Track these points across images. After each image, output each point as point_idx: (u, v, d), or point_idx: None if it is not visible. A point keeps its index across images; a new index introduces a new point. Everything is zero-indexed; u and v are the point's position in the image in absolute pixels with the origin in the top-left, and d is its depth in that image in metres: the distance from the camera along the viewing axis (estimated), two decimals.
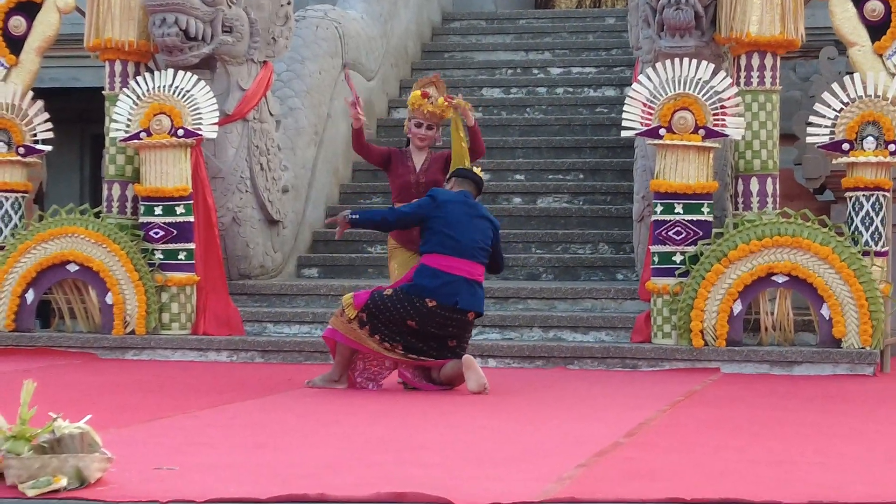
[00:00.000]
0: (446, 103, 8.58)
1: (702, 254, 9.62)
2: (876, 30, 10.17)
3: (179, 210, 10.44)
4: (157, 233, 10.48)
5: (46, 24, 11.19)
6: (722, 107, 9.72)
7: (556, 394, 8.25)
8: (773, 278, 9.58)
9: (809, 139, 10.15)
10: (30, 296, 10.59)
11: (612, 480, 5.08)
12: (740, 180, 10.17)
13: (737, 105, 9.78)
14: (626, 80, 13.81)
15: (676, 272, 9.72)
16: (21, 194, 11.06)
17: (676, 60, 9.77)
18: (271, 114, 11.59)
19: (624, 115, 9.92)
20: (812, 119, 10.07)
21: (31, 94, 11.16)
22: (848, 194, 9.96)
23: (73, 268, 10.52)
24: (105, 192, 10.91)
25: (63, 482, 4.76)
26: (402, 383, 8.33)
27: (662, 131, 9.73)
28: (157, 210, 10.47)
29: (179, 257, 10.46)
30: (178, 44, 10.59)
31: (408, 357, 8.08)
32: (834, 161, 10.16)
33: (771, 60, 10.13)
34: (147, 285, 10.32)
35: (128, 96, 10.56)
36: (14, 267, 10.57)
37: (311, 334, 10.45)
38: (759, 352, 9.54)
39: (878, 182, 9.83)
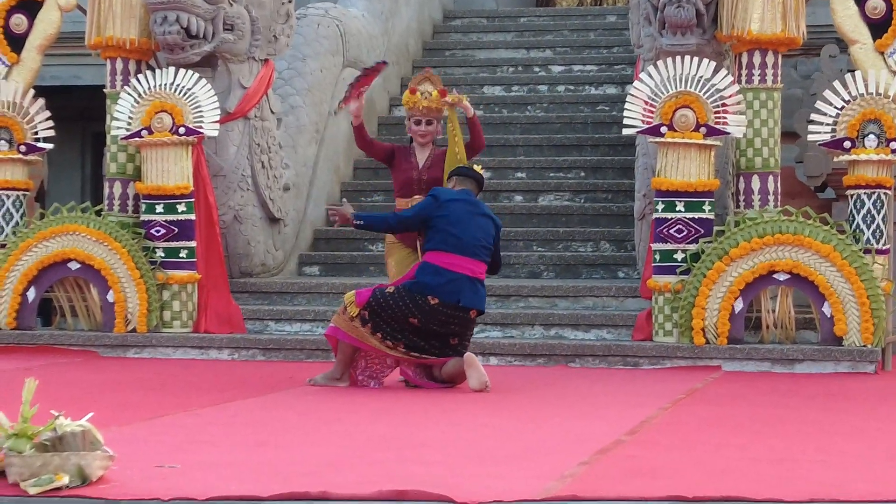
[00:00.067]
0: (440, 97, 8.58)
1: (703, 252, 9.62)
2: (877, 27, 10.16)
3: (181, 208, 10.44)
4: (158, 231, 10.47)
5: (48, 22, 11.19)
6: (723, 104, 9.71)
7: (558, 392, 8.24)
8: (775, 276, 9.57)
9: (811, 137, 10.15)
10: (31, 294, 10.59)
11: (613, 478, 5.08)
12: (741, 178, 10.16)
13: (738, 103, 9.77)
14: (627, 78, 13.81)
15: (678, 270, 9.72)
16: (22, 192, 11.06)
17: (678, 58, 9.76)
18: (272, 112, 11.59)
19: (625, 113, 9.91)
20: (813, 117, 10.06)
21: (32, 92, 11.15)
22: (849, 192, 9.95)
23: (74, 266, 10.52)
24: (106, 190, 10.91)
25: (65, 480, 4.76)
26: (404, 381, 8.33)
27: (664, 129, 9.73)
28: (159, 208, 10.47)
29: (181, 255, 10.45)
30: (180, 42, 10.58)
31: (409, 355, 8.07)
32: (835, 159, 10.15)
33: (772, 58, 10.13)
34: (148, 283, 10.32)
35: (129, 94, 10.56)
36: (15, 265, 10.57)
37: (313, 332, 10.45)
38: (760, 350, 9.54)
39: (879, 180, 9.83)
